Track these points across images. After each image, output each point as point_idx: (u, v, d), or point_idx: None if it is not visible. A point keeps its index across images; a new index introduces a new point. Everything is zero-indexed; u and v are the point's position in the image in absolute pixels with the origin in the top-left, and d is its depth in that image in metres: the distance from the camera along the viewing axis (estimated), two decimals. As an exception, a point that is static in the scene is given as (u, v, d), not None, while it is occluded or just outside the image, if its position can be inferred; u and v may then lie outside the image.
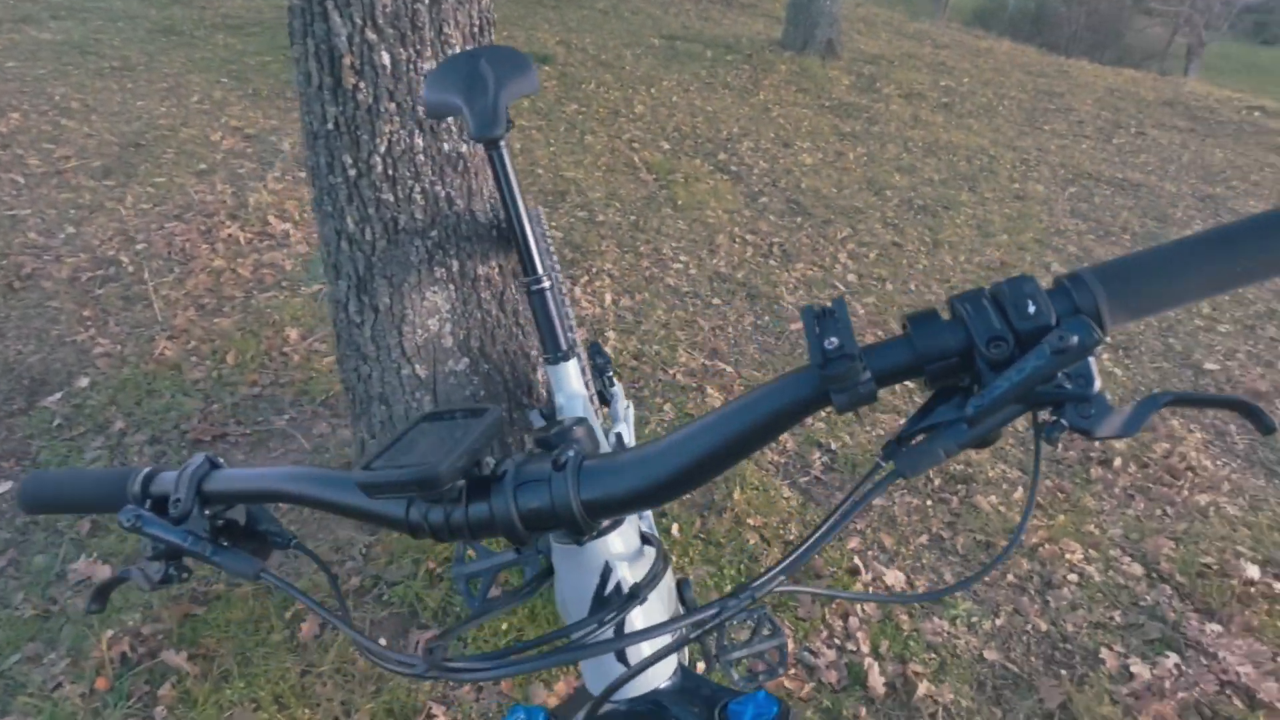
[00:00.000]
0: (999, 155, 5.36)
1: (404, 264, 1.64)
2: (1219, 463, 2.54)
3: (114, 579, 0.63)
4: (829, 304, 0.46)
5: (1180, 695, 1.72)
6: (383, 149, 1.55)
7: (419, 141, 1.57)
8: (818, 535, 0.49)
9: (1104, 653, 1.81)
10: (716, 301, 3.21)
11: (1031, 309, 0.42)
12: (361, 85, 1.51)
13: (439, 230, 1.63)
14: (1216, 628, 1.90)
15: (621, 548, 0.59)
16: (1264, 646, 1.86)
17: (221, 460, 0.60)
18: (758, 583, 0.51)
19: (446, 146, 1.59)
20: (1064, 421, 0.41)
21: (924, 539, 2.12)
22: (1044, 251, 3.99)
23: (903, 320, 0.47)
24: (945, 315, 0.45)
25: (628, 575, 0.59)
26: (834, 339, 0.44)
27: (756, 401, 0.47)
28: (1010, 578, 2.01)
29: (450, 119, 1.58)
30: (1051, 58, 9.09)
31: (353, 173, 1.56)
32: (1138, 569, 2.09)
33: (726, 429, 0.47)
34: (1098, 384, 0.41)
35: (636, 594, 0.57)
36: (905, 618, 1.86)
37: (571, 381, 1.23)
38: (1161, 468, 2.47)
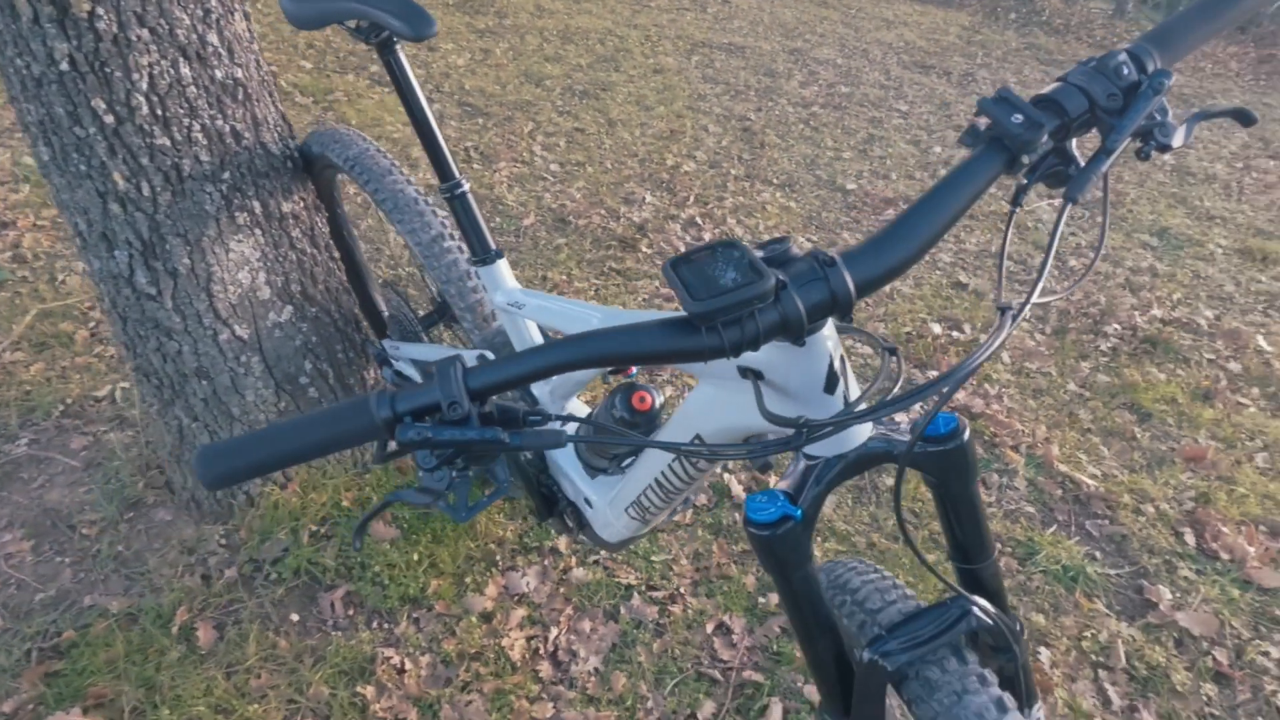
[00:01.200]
0: (626, 35, 5.74)
1: (198, 216, 1.45)
2: (885, 257, 3.20)
3: (376, 509, 0.60)
4: (994, 93, 0.62)
5: (932, 425, 2.26)
6: (144, 85, 1.34)
7: (186, 71, 1.38)
8: (1048, 261, 0.65)
9: (874, 414, 2.30)
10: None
11: (1125, 72, 0.62)
12: (100, 11, 1.27)
13: (231, 171, 1.47)
14: (933, 373, 2.49)
15: (833, 331, 0.71)
16: (964, 376, 2.49)
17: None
18: (1027, 301, 0.64)
19: (220, 74, 1.42)
20: (1153, 142, 0.62)
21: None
22: (698, 116, 4.46)
23: (1034, 98, 0.64)
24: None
25: (840, 351, 0.72)
26: (1017, 115, 0.60)
27: (957, 182, 0.62)
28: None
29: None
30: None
31: (110, 119, 1.33)
32: (867, 350, 2.62)
33: (943, 208, 0.62)
34: (1172, 113, 0.62)
35: (894, 350, 0.69)
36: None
37: (507, 278, 1.25)
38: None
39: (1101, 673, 1.62)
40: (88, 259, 1.49)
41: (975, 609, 0.75)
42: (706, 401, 0.87)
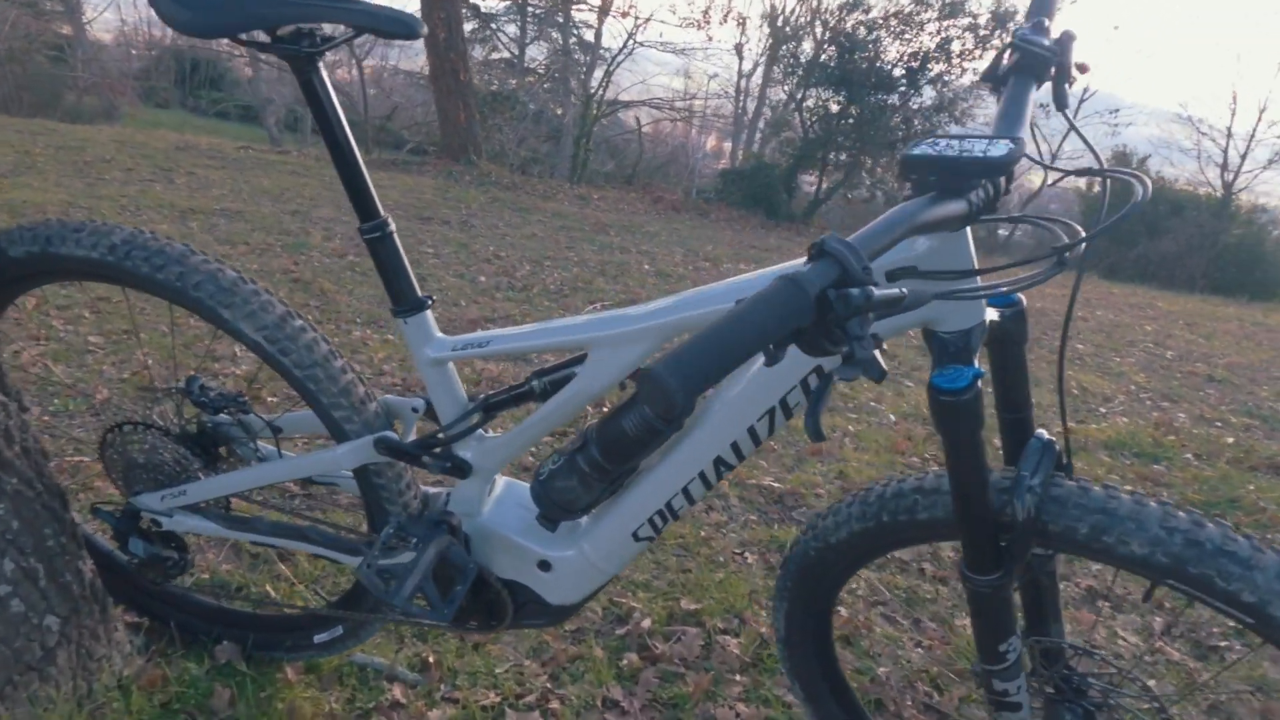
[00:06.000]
0: (95, 205, 4.97)
1: None
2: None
3: (821, 390, 0.57)
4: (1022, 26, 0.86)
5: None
6: None
7: None
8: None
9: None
10: None
11: (1052, 31, 0.92)
12: None
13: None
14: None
15: None
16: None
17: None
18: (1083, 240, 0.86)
19: None
20: (1067, 83, 0.93)
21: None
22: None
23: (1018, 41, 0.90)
24: None
25: None
26: (1035, 45, 0.86)
27: (1020, 91, 0.85)
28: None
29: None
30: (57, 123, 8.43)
31: None
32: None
33: (1022, 102, 0.84)
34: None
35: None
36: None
37: (434, 327, 1.08)
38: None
39: (879, 607, 1.96)
40: None
41: (1044, 434, 0.95)
42: (768, 375, 0.93)
